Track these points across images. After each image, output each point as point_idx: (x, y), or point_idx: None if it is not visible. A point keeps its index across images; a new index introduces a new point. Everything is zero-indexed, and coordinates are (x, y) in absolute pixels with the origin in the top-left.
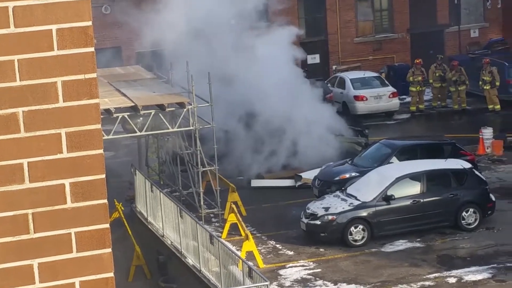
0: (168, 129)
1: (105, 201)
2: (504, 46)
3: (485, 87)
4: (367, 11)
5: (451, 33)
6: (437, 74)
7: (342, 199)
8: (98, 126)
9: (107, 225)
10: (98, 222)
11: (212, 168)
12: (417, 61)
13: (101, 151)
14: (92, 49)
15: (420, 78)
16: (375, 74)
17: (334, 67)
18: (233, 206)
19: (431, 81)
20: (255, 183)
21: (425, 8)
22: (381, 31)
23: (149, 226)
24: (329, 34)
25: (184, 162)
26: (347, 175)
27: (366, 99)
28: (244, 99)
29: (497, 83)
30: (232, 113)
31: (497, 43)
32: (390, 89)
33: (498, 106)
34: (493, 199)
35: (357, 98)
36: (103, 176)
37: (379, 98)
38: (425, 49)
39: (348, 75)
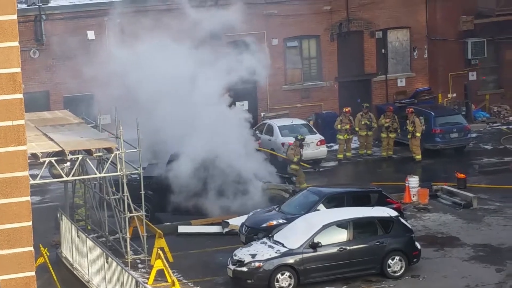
0: (96, 174)
1: (31, 248)
2: (430, 96)
3: (408, 137)
4: (296, 59)
5: (379, 82)
6: (363, 122)
7: (269, 246)
8: (26, 173)
9: (33, 273)
10: (24, 270)
11: (139, 214)
12: (346, 109)
13: (28, 198)
14: (20, 95)
15: (347, 126)
16: (303, 122)
17: (262, 114)
18: (160, 252)
19: (357, 129)
20: (182, 229)
21: (353, 57)
22: (309, 79)
23: (74, 272)
24: (258, 81)
25: (111, 208)
26: (274, 222)
27: None
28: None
29: (417, 134)
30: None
31: (423, 92)
32: (318, 136)
33: (419, 157)
34: (419, 247)
35: (284, 145)
36: (30, 223)
37: (306, 145)
38: (353, 97)
39: (276, 122)
